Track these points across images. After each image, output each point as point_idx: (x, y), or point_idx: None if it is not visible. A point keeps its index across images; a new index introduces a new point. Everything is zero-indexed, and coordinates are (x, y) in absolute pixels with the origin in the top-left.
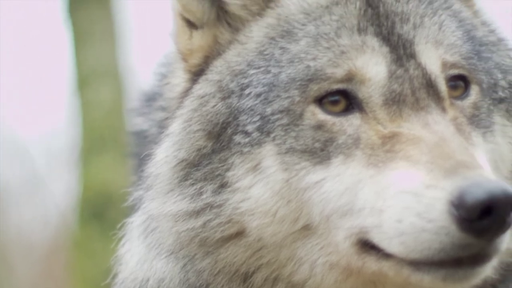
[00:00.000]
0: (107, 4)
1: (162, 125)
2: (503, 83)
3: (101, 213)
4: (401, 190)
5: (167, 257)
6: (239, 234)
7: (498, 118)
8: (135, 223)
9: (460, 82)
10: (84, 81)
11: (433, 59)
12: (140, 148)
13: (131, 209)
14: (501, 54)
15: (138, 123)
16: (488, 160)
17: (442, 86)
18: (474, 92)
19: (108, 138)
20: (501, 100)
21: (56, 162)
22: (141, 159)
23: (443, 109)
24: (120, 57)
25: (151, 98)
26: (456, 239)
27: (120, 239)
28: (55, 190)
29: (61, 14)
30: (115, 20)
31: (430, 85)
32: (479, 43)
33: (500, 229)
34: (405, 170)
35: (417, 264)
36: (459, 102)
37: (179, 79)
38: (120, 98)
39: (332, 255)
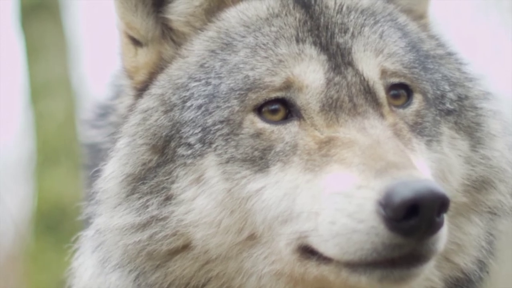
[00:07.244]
0: (58, 17)
1: (112, 141)
2: (451, 95)
3: (55, 226)
4: (334, 192)
5: (117, 270)
6: (186, 246)
7: (445, 129)
8: (88, 236)
9: (402, 91)
10: (37, 93)
11: (371, 66)
12: (94, 160)
13: (85, 223)
14: (450, 67)
15: (92, 135)
16: (435, 169)
17: (381, 93)
18: (417, 101)
19: (62, 150)
20: (449, 112)
21: (10, 174)
22: (94, 173)
23: (381, 115)
24: (72, 69)
25: (105, 112)
26: (386, 239)
27: (74, 252)
28: (10, 203)
29: (13, 27)
30: (67, 32)
31: (368, 92)
32: (425, 55)
33: (429, 229)
34: (338, 172)
35: (353, 266)
36: (400, 110)
37: (127, 96)
38: (73, 110)
39: (276, 263)
